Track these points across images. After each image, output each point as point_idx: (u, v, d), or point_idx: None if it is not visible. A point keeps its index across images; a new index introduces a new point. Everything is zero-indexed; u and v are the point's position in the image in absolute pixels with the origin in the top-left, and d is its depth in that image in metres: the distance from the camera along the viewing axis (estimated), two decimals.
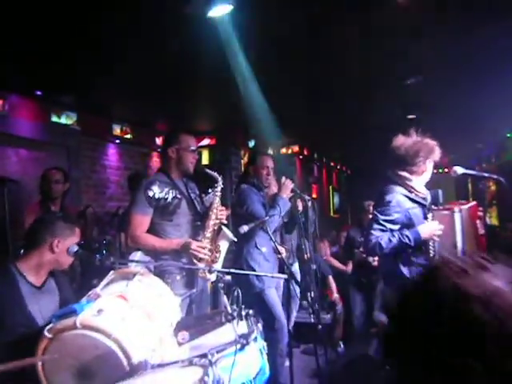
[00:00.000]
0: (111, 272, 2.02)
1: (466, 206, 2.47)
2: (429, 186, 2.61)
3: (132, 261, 2.31)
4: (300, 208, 3.25)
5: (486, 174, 2.90)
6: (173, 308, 2.04)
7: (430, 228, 2.41)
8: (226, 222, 2.69)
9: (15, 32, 3.10)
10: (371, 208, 3.88)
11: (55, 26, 3.08)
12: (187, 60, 3.66)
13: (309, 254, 3.08)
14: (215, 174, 2.67)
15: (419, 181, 2.54)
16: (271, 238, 2.77)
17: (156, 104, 5.16)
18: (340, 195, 12.00)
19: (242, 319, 1.75)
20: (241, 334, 1.62)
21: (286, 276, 2.43)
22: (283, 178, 3.19)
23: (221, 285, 1.98)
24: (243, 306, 1.75)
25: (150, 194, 2.52)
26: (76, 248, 2.01)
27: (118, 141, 5.79)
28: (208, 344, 1.69)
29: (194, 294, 2.48)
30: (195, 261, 2.45)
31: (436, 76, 4.44)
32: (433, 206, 2.49)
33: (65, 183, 3.59)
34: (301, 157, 9.16)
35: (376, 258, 3.95)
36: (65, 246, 1.98)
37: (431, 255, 2.47)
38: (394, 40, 3.56)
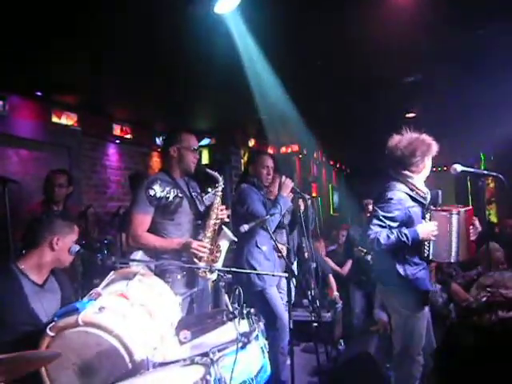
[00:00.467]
0: (112, 272, 2.03)
1: (463, 209, 2.49)
2: (428, 185, 2.62)
3: (133, 260, 2.32)
4: (302, 208, 3.27)
5: (486, 172, 2.92)
6: (173, 307, 2.05)
7: (428, 228, 2.42)
8: (227, 220, 2.68)
9: (15, 32, 3.10)
10: (370, 207, 3.89)
11: (55, 26, 3.08)
12: (187, 60, 3.67)
13: (309, 253, 3.09)
14: (216, 174, 2.66)
15: (420, 178, 2.55)
16: (272, 237, 2.78)
17: (156, 104, 5.16)
18: (339, 194, 12.00)
19: (243, 318, 1.76)
20: (242, 333, 1.63)
21: (286, 274, 2.43)
22: (283, 177, 3.20)
23: (222, 284, 1.99)
24: (244, 305, 1.76)
25: (152, 193, 2.50)
26: (78, 248, 2.03)
27: (118, 141, 5.80)
28: (209, 343, 1.70)
29: (195, 293, 2.48)
30: (196, 260, 2.46)
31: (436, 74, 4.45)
32: (431, 207, 2.51)
33: (68, 187, 3.59)
34: (300, 156, 9.16)
35: None
36: (64, 243, 2.00)
37: (425, 255, 2.49)
38: (394, 40, 3.57)
